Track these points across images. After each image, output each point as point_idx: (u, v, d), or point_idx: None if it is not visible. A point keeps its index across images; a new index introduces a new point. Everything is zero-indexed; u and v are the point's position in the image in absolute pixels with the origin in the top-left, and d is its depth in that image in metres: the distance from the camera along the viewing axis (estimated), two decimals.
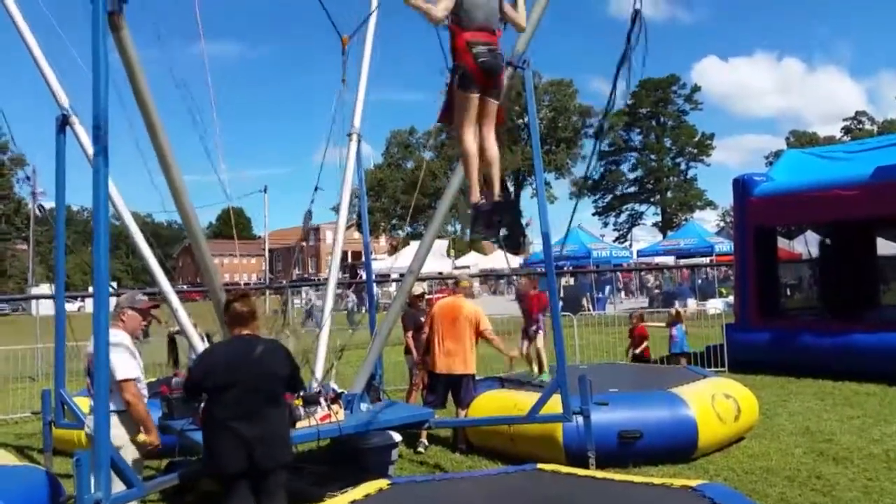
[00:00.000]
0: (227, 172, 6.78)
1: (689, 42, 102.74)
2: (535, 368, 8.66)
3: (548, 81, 66.12)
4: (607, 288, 28.38)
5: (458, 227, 69.00)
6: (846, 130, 70.72)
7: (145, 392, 5.12)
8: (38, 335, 14.67)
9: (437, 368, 7.62)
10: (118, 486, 4.42)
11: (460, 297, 7.84)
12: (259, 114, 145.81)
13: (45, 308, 20.53)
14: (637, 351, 11.23)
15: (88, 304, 13.09)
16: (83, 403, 6.49)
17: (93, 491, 4.06)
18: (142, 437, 4.82)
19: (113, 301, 5.17)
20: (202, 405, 4.42)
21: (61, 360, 7.07)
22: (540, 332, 8.52)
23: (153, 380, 8.72)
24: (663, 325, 12.02)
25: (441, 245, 43.57)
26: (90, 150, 6.86)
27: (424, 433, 7.71)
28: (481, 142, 4.92)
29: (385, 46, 8.13)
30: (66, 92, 7.17)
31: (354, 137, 8.03)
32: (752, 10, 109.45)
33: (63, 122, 6.81)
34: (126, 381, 4.68)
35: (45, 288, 37.04)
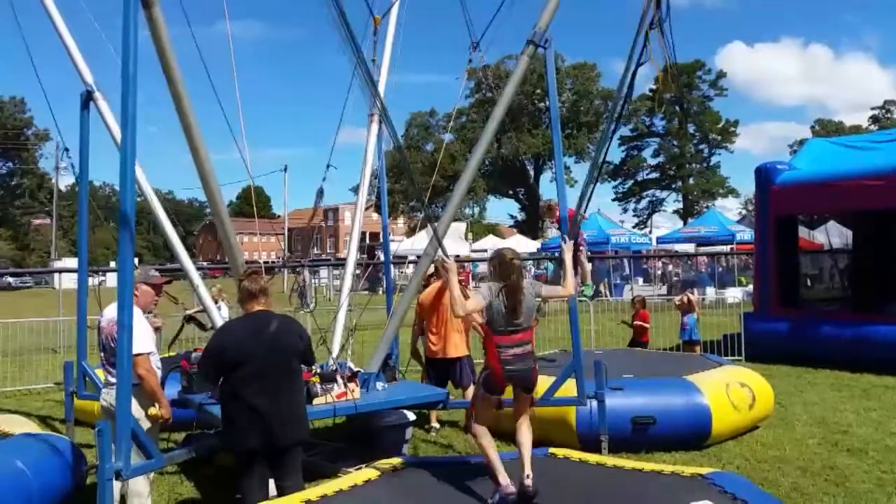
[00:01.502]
0: (248, 151, 6.81)
1: (715, 27, 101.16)
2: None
3: (571, 65, 65.54)
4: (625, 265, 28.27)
5: (476, 209, 69.07)
6: (874, 119, 69.46)
7: (159, 366, 5.21)
8: (60, 308, 14.92)
9: (430, 354, 7.69)
10: (137, 458, 4.51)
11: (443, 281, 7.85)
12: (281, 94, 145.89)
13: (68, 282, 20.87)
14: (638, 323, 11.15)
15: (109, 279, 13.27)
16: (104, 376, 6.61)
17: (113, 460, 4.15)
18: (153, 410, 4.89)
19: None
20: (220, 381, 4.47)
21: (83, 333, 7.20)
22: (581, 247, 8.33)
23: (172, 354, 8.86)
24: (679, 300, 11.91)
25: (458, 228, 43.54)
26: (114, 126, 6.96)
27: (434, 415, 7.78)
28: (515, 428, 4.83)
29: (407, 27, 8.10)
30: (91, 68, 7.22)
31: (375, 118, 8.03)
32: None
33: (87, 99, 6.87)
34: (139, 355, 4.73)
35: (68, 262, 37.55)
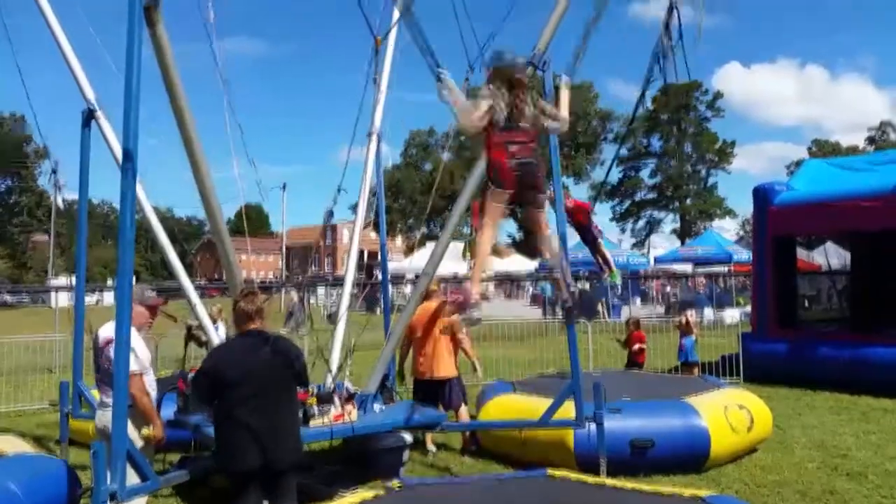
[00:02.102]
0: (247, 169, 6.83)
1: (711, 48, 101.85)
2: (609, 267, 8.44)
3: None
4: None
5: (469, 231, 69.06)
6: (870, 140, 69.82)
7: (153, 386, 5.18)
8: (56, 326, 14.86)
9: (419, 375, 7.66)
10: (132, 479, 4.47)
11: (433, 302, 7.83)
12: (279, 111, 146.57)
13: (64, 300, 20.80)
14: (635, 348, 11.12)
15: (106, 297, 13.25)
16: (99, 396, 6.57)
17: (108, 482, 4.11)
18: (146, 430, 4.87)
19: None
20: (214, 401, 4.43)
21: (79, 352, 7.17)
22: (599, 238, 8.27)
23: (169, 374, 8.80)
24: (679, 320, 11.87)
25: (457, 247, 43.55)
26: (115, 145, 6.97)
27: (430, 437, 7.73)
28: (533, 227, 4.86)
29: (406, 47, 8.16)
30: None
31: (374, 137, 8.06)
32: (775, 17, 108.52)
33: (88, 117, 6.89)
34: (131, 375, 4.67)
35: (65, 280, 37.46)
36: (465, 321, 4.69)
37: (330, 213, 7.39)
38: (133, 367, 4.74)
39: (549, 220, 5.02)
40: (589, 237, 8.52)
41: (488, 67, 4.78)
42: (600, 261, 8.44)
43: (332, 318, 7.27)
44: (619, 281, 7.59)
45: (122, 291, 4.37)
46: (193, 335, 8.67)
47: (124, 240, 4.31)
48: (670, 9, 5.74)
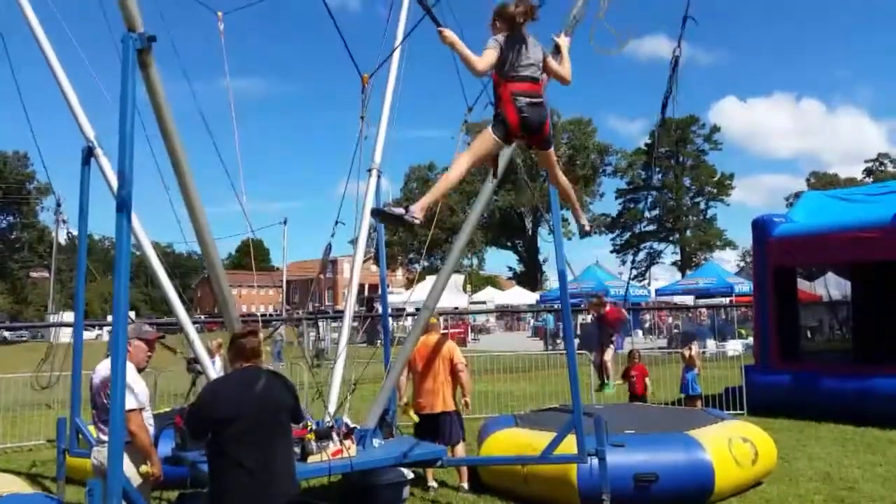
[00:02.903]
0: (248, 204, 6.86)
1: (708, 82, 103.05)
2: (604, 379, 8.43)
3: (567, 120, 66.60)
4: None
5: (475, 261, 69.20)
6: (868, 172, 70.24)
7: (151, 422, 5.14)
8: (56, 363, 14.74)
9: (419, 409, 7.60)
10: None
11: (433, 335, 7.79)
12: (280, 148, 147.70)
13: (64, 336, 20.70)
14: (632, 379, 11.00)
15: (106, 333, 13.19)
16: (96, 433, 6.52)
17: None
18: (144, 468, 4.82)
19: None
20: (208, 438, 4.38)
21: (77, 389, 7.12)
22: (611, 346, 8.27)
23: (168, 409, 8.73)
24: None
25: (457, 279, 43.55)
26: (113, 181, 7.01)
27: (431, 473, 7.64)
28: (555, 181, 5.07)
29: (405, 83, 8.24)
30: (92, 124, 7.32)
31: (374, 172, 8.11)
32: (770, 51, 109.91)
33: (88, 154, 6.95)
34: (129, 411, 4.64)
35: (65, 316, 37.36)
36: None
37: (329, 247, 7.39)
38: (132, 403, 4.72)
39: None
40: (607, 341, 8.52)
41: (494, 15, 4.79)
42: (603, 368, 8.43)
43: (321, 356, 7.24)
44: (611, 391, 7.57)
45: (118, 327, 4.34)
46: (193, 368, 8.62)
47: (120, 276, 4.30)
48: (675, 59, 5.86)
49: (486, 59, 4.52)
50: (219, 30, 6.84)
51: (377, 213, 4.95)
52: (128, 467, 4.67)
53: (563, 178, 5.07)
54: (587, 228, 6.13)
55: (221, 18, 6.84)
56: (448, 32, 4.46)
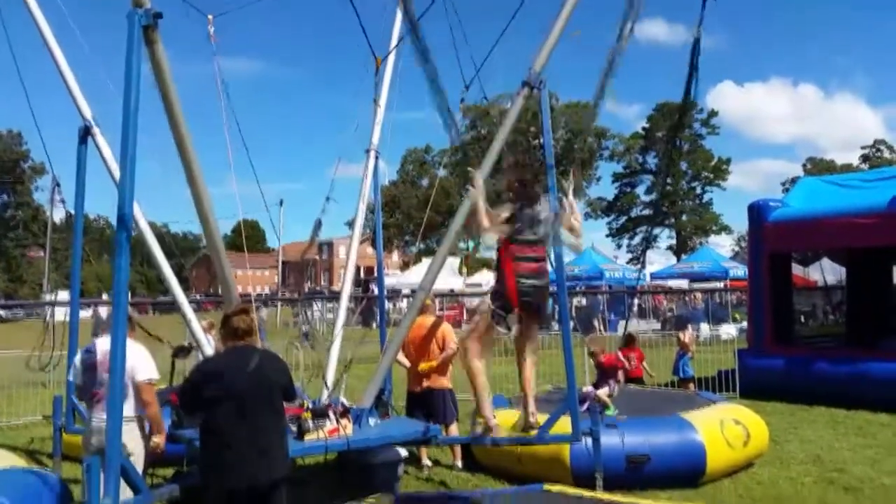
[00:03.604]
0: (244, 185, 6.86)
1: (705, 66, 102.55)
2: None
3: (565, 104, 66.34)
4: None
5: (470, 244, 69.19)
6: (864, 158, 70.26)
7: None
8: (51, 341, 14.75)
9: (412, 388, 7.65)
10: (126, 493, 4.44)
11: (427, 317, 7.83)
12: (278, 129, 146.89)
13: (60, 314, 20.69)
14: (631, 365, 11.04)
15: (101, 312, 13.22)
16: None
17: (101, 497, 4.08)
18: (156, 438, 5.03)
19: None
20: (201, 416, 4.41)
21: (73, 366, 7.13)
22: (606, 387, 8.29)
23: (163, 387, 8.75)
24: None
25: (453, 262, 43.59)
26: (110, 161, 7.00)
27: (425, 452, 7.70)
28: (520, 364, 4.91)
29: (404, 65, 8.22)
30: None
31: (372, 154, 8.10)
32: (767, 36, 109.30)
33: (85, 133, 6.92)
34: (148, 382, 4.94)
35: (61, 294, 37.32)
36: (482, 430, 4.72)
37: (318, 223, 7.40)
38: (153, 374, 5.01)
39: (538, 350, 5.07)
40: (602, 385, 8.53)
41: (505, 174, 4.85)
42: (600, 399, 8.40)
43: (309, 337, 7.27)
44: (613, 413, 7.57)
45: (118, 305, 4.35)
46: (178, 355, 8.58)
47: (120, 255, 4.30)
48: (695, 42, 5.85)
49: (494, 220, 4.58)
50: (209, 32, 6.77)
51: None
52: (131, 445, 4.76)
53: (529, 367, 4.94)
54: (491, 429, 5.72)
55: (212, 22, 6.77)
56: (478, 186, 4.72)
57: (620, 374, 9.08)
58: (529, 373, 4.68)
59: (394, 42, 7.93)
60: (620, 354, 9.72)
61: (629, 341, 11.24)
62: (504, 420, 7.54)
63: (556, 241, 4.95)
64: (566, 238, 5.01)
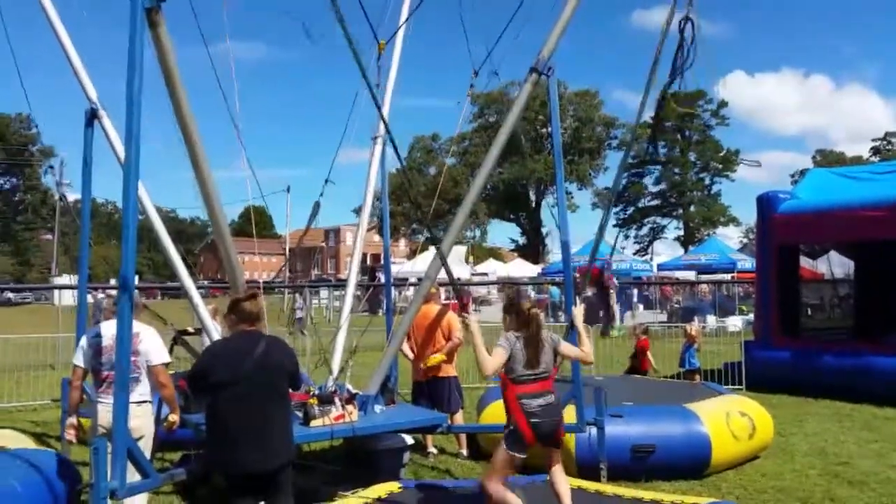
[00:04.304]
0: (251, 171, 6.85)
1: (715, 56, 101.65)
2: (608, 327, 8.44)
3: (573, 92, 66.00)
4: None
5: (477, 233, 69.20)
6: (875, 151, 69.73)
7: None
8: (59, 324, 14.89)
9: (417, 377, 7.66)
10: (133, 476, 4.48)
11: (432, 305, 7.82)
12: (285, 115, 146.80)
13: (67, 298, 20.85)
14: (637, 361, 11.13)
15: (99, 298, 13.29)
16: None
17: (109, 479, 4.11)
18: (173, 416, 5.20)
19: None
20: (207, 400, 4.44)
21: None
22: (612, 291, 8.20)
23: (171, 372, 8.78)
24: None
25: (459, 251, 43.57)
26: (117, 144, 7.00)
27: (431, 440, 7.73)
28: (552, 480, 4.72)
29: (411, 52, 8.19)
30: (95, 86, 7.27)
31: (379, 141, 8.08)
32: (779, 26, 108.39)
33: (91, 116, 6.91)
34: (165, 364, 5.09)
35: (68, 278, 37.52)
36: None
37: (317, 205, 7.39)
38: (167, 357, 5.17)
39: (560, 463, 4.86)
40: (603, 290, 8.51)
41: (505, 309, 4.84)
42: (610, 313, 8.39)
43: (301, 324, 7.28)
44: (617, 334, 7.55)
45: (124, 291, 4.37)
46: (183, 341, 8.60)
47: (127, 239, 4.31)
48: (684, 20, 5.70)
49: (494, 362, 4.51)
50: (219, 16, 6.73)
51: None
52: (141, 428, 4.83)
53: (561, 479, 4.72)
54: None
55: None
56: (474, 328, 4.65)
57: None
58: (566, 488, 4.66)
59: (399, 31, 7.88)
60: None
61: (644, 333, 11.37)
62: None
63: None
64: (575, 355, 5.04)
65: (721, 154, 69.20)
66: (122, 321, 4.33)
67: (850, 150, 72.10)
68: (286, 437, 4.43)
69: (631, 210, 72.24)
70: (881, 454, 7.68)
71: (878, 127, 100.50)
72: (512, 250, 73.48)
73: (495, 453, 4.67)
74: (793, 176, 67.26)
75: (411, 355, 7.71)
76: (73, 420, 5.35)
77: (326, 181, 7.47)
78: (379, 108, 6.47)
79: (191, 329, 7.85)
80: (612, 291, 7.99)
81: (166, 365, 5.20)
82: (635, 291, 29.58)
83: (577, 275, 8.25)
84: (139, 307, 5.49)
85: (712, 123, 69.67)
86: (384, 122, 6.52)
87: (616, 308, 7.95)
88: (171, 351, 8.92)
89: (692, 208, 69.76)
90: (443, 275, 6.75)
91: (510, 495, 4.52)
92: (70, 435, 5.32)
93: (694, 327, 11.92)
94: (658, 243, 72.27)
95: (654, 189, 71.63)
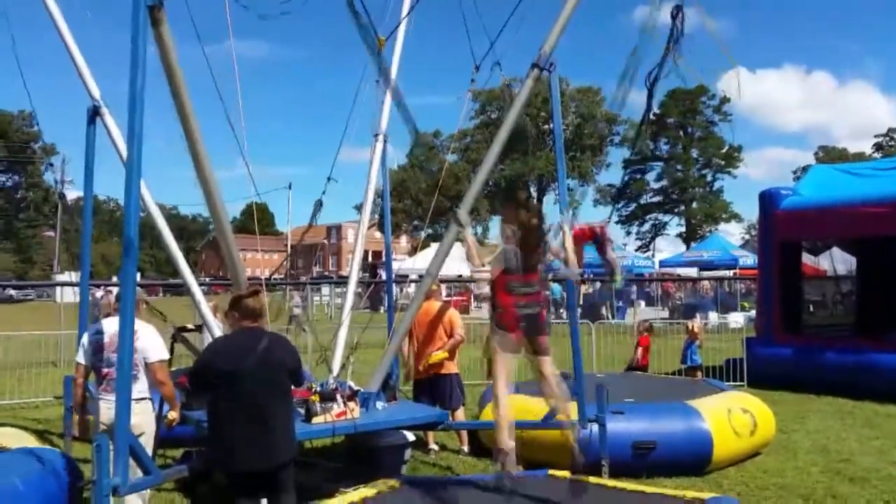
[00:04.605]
0: (253, 168, 6.85)
1: (717, 52, 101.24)
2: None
3: (575, 88, 65.89)
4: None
5: (479, 230, 69.19)
6: (877, 147, 69.59)
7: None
8: (61, 321, 14.90)
9: (419, 374, 7.66)
10: (135, 473, 4.49)
11: (433, 302, 7.82)
12: (288, 113, 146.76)
13: (69, 295, 20.87)
14: (638, 353, 11.12)
15: (114, 292, 13.29)
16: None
17: (111, 476, 4.12)
18: (173, 413, 5.22)
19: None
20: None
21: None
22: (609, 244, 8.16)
23: (172, 369, 8.79)
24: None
25: (460, 247, 43.57)
26: (119, 141, 7.00)
27: (432, 436, 7.73)
28: (540, 375, 4.96)
29: (412, 49, 8.18)
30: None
31: (380, 138, 8.07)
32: (780, 23, 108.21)
33: (94, 114, 6.91)
34: (162, 361, 5.08)
35: (70, 275, 37.58)
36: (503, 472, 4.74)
37: (319, 203, 7.39)
38: (164, 354, 5.13)
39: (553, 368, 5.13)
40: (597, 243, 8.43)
41: (502, 204, 4.90)
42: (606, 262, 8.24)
43: (297, 320, 7.28)
44: (620, 285, 7.50)
45: (126, 286, 4.37)
46: (182, 339, 8.59)
47: (128, 236, 4.31)
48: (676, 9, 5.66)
49: (485, 257, 4.73)
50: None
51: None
52: (142, 425, 4.81)
53: (549, 372, 4.95)
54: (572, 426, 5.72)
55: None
56: (465, 222, 5.02)
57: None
58: (556, 387, 4.77)
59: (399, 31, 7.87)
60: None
61: (647, 330, 11.38)
62: (510, 405, 7.57)
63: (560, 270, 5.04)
64: (563, 272, 5.10)
65: (723, 151, 69.11)
66: (124, 318, 4.33)
67: (853, 147, 71.95)
68: (288, 435, 4.44)
69: (633, 206, 72.18)
70: (883, 451, 7.68)
71: (881, 123, 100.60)
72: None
73: (488, 341, 4.96)
74: (795, 172, 67.15)
75: (405, 349, 7.70)
76: (83, 416, 5.33)
77: (329, 179, 7.48)
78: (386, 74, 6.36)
79: (190, 326, 7.86)
80: (608, 242, 7.80)
81: (167, 362, 5.21)
82: (634, 288, 29.53)
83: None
84: (140, 303, 5.50)
85: (715, 119, 69.59)
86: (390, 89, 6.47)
87: (615, 258, 7.78)
88: (171, 349, 8.92)
89: (694, 205, 69.70)
90: (444, 272, 6.75)
91: (503, 391, 4.79)
92: (77, 431, 5.32)
93: (696, 324, 11.92)
94: (660, 240, 72.30)
95: (656, 185, 71.60)
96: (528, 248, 4.65)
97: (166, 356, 5.22)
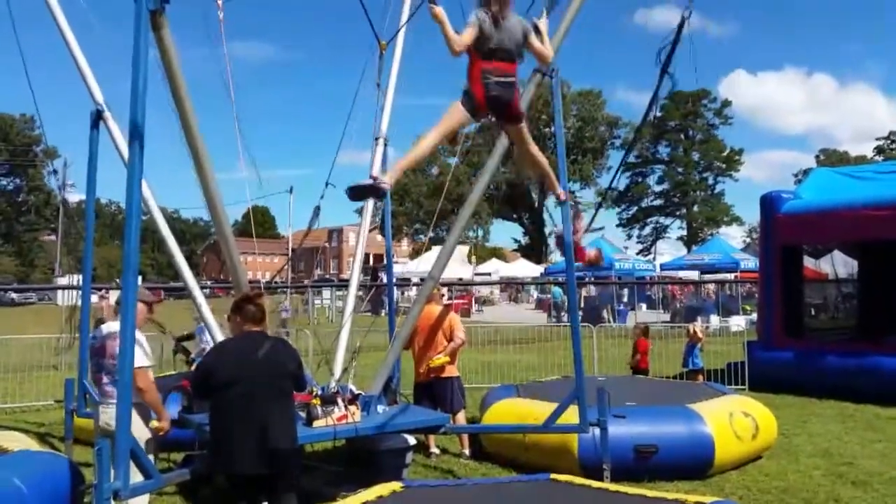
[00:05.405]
0: (253, 171, 6.86)
1: (718, 55, 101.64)
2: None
3: (576, 91, 65.96)
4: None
5: (480, 233, 69.20)
6: (879, 150, 69.57)
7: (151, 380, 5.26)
8: (62, 325, 14.89)
9: (419, 378, 7.65)
10: (136, 477, 4.48)
11: (434, 306, 7.82)
12: (289, 115, 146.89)
13: (70, 299, 20.86)
14: (635, 361, 11.11)
15: (111, 296, 13.29)
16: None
17: (112, 480, 4.12)
18: (155, 423, 4.98)
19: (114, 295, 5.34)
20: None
21: (85, 350, 7.17)
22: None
23: (173, 373, 8.81)
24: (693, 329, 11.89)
25: (462, 251, 43.60)
26: (122, 145, 7.01)
27: (433, 440, 7.72)
28: (529, 157, 5.06)
29: (412, 51, 8.19)
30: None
31: (381, 141, 8.08)
32: (782, 25, 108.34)
33: (97, 118, 6.93)
34: (139, 369, 4.77)
35: (70, 278, 37.57)
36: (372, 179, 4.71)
37: (317, 209, 7.40)
38: (143, 361, 4.87)
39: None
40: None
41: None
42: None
43: (285, 324, 7.29)
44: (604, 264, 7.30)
45: (127, 290, 4.38)
46: (183, 347, 8.62)
47: (130, 240, 4.31)
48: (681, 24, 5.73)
49: (463, 39, 4.59)
50: (218, 18, 6.73)
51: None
52: (138, 428, 4.78)
53: (535, 151, 5.06)
54: (563, 198, 6.19)
55: (221, 7, 6.71)
56: (439, 10, 4.51)
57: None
58: (541, 160, 4.91)
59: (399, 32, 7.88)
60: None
61: (644, 333, 11.31)
62: (511, 409, 7.58)
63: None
64: (538, 49, 4.98)
65: (724, 153, 69.17)
66: (125, 324, 4.33)
67: (854, 150, 72.08)
68: (289, 438, 4.44)
69: (634, 210, 72.22)
70: (885, 454, 7.66)
71: (883, 126, 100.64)
72: (514, 250, 73.45)
73: (448, 110, 4.76)
74: (796, 175, 67.17)
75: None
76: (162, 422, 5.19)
77: (327, 184, 7.48)
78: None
79: (186, 332, 7.88)
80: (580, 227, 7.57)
81: (148, 369, 5.02)
82: (628, 290, 29.53)
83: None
84: (140, 312, 5.48)
85: (716, 122, 69.65)
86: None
87: (584, 223, 7.52)
88: (177, 351, 8.90)
89: (695, 208, 69.76)
90: (446, 275, 6.76)
91: (427, 144, 4.66)
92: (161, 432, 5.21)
93: (697, 327, 11.91)
94: (661, 243, 72.34)
95: (657, 189, 71.65)
96: (498, 17, 4.60)
97: (146, 363, 4.99)
